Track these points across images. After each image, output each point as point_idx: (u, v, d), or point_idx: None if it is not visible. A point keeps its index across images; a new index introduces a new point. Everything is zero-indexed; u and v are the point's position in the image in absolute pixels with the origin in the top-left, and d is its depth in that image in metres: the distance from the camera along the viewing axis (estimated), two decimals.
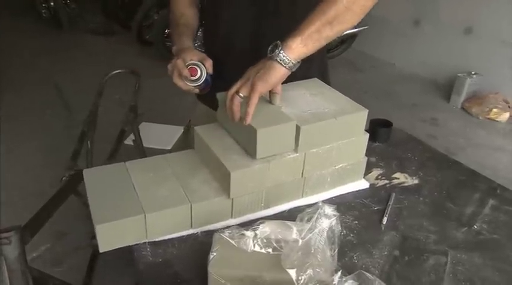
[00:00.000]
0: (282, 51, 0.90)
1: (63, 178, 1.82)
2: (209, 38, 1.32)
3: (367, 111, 1.07)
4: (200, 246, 0.94)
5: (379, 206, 1.10)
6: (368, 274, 0.74)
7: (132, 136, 2.14)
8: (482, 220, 1.07)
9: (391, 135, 1.39)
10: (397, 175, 1.23)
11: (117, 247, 0.92)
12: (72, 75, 3.97)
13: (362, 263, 0.92)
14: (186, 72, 1.06)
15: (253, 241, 0.81)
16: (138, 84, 2.12)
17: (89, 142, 2.05)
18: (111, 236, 0.91)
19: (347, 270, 0.81)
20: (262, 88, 0.91)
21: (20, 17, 5.44)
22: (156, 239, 0.95)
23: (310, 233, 0.79)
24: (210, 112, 1.25)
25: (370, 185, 1.18)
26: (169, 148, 2.54)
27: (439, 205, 1.12)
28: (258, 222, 0.84)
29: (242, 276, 0.78)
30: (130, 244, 0.94)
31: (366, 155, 1.14)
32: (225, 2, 1.19)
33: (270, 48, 0.92)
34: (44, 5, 5.06)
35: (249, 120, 0.92)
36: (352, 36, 4.43)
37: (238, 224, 0.96)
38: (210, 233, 0.91)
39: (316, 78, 1.20)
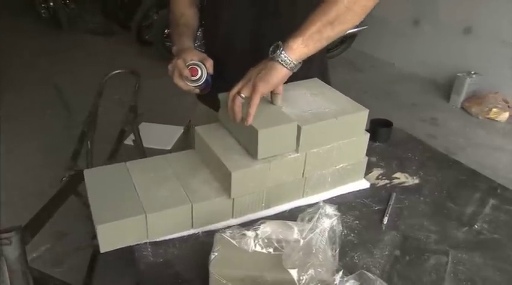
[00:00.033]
0: (283, 52, 0.91)
1: (63, 179, 1.82)
2: (209, 38, 1.32)
3: (368, 110, 1.07)
4: (201, 246, 0.94)
5: (379, 206, 1.11)
6: (369, 274, 0.74)
7: (132, 136, 2.14)
8: (483, 219, 1.08)
9: (391, 135, 1.39)
10: (397, 174, 1.23)
11: (118, 247, 0.92)
12: (71, 76, 3.97)
13: (363, 263, 0.92)
14: (186, 72, 1.06)
15: (254, 241, 0.81)
16: (138, 84, 2.12)
17: (89, 142, 2.05)
18: (112, 236, 0.91)
19: (348, 270, 0.81)
20: (263, 89, 0.91)
21: (19, 17, 5.43)
22: (157, 239, 0.95)
23: (312, 233, 0.79)
24: (210, 113, 1.25)
25: (371, 185, 1.18)
26: (169, 148, 2.54)
27: (439, 205, 1.12)
28: (259, 222, 0.84)
29: (243, 276, 0.78)
30: (131, 244, 0.94)
31: (367, 155, 1.14)
32: (225, 2, 1.19)
33: (271, 49, 0.92)
34: (43, 5, 5.06)
35: (250, 121, 0.92)
36: (352, 36, 4.43)
37: (239, 224, 0.96)
38: (210, 233, 0.91)
39: (316, 78, 1.20)
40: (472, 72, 3.75)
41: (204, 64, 1.09)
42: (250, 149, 0.99)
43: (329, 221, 0.80)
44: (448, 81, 3.97)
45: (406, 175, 1.24)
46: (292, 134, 0.99)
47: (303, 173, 1.05)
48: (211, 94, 1.14)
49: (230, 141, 1.05)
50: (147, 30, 4.49)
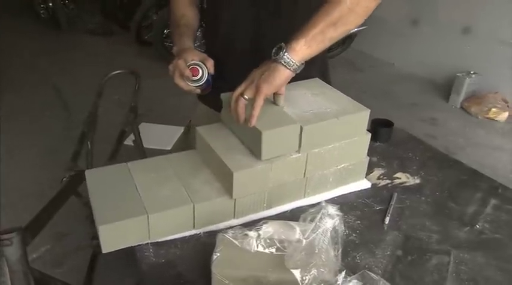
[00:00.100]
0: (286, 54, 0.90)
1: (64, 179, 1.81)
2: (209, 38, 1.32)
3: (369, 110, 1.07)
4: (203, 246, 0.94)
5: (381, 206, 1.11)
6: (372, 274, 0.74)
7: (132, 137, 2.13)
8: (484, 219, 1.08)
9: (392, 135, 1.39)
10: (398, 174, 1.24)
11: (120, 248, 0.92)
12: (71, 76, 3.96)
13: (365, 263, 0.92)
14: (187, 72, 1.06)
15: (256, 241, 0.81)
16: (138, 84, 2.11)
17: (89, 142, 2.04)
18: (114, 236, 0.91)
19: (350, 270, 0.81)
20: (267, 90, 0.91)
21: (18, 18, 5.42)
22: (159, 240, 0.95)
23: (314, 233, 0.79)
24: (210, 113, 1.25)
25: (372, 185, 1.18)
26: (169, 148, 2.54)
27: (441, 205, 1.12)
28: (261, 222, 0.84)
29: (246, 276, 0.78)
30: (133, 245, 0.94)
31: (368, 155, 1.14)
32: (225, 2, 1.19)
33: (274, 51, 0.92)
34: (42, 5, 5.04)
35: (253, 122, 0.92)
36: (352, 36, 4.43)
37: (241, 225, 0.96)
38: (212, 234, 0.91)
39: (317, 78, 1.20)
40: (472, 72, 3.76)
41: (204, 65, 1.09)
42: (254, 150, 0.99)
43: (331, 221, 0.80)
44: (447, 81, 3.98)
45: (407, 175, 1.24)
46: (295, 135, 0.99)
47: (304, 173, 1.05)
48: (212, 94, 1.14)
49: (231, 141, 1.05)
50: (146, 30, 4.49)
